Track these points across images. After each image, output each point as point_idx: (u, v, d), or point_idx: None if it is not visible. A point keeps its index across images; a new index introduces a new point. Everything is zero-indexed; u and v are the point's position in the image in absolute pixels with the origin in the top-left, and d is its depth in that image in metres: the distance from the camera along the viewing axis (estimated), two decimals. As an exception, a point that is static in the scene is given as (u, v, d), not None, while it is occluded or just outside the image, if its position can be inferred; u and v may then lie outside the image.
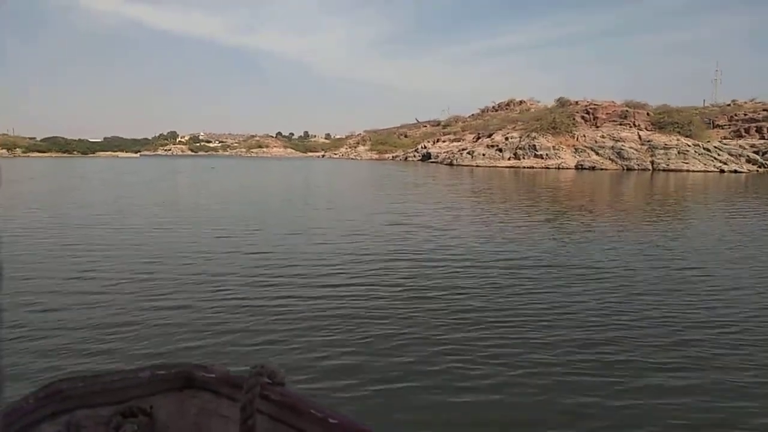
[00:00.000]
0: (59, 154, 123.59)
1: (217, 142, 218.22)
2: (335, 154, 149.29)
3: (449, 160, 75.89)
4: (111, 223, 15.49)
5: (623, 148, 57.64)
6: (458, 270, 9.78)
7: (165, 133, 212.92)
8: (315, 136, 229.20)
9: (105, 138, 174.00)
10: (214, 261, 10.35)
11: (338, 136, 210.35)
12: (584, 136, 61.91)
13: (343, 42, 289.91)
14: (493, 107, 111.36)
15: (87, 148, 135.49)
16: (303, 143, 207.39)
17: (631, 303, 7.77)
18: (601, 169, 56.24)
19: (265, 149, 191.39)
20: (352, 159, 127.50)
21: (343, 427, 1.28)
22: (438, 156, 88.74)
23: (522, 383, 5.03)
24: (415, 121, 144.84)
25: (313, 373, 5.19)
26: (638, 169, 55.69)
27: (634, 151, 57.24)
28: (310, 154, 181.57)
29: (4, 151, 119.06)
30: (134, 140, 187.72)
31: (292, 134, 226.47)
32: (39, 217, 16.94)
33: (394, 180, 41.46)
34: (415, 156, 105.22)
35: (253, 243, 12.50)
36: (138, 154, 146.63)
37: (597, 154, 59.30)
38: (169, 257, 10.70)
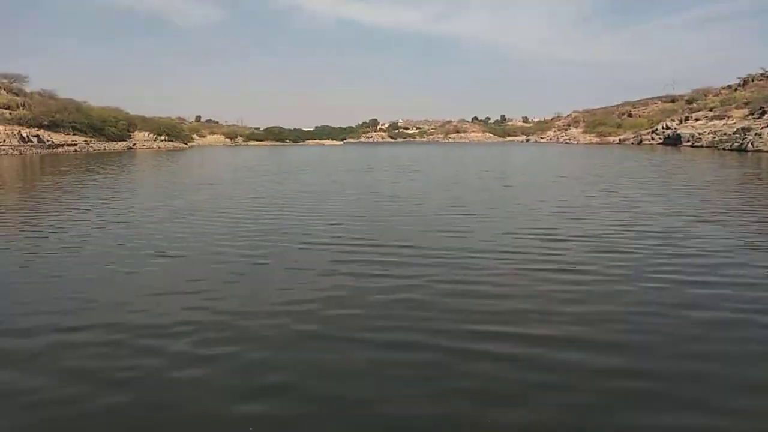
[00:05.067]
0: (273, 143, 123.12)
1: (414, 128, 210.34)
2: (542, 137, 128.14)
3: (734, 144, 51.85)
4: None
5: None
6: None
7: (367, 121, 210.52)
8: (512, 119, 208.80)
9: (316, 127, 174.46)
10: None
11: (536, 119, 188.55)
12: None
13: (542, 20, 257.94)
14: (762, 75, 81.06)
15: (298, 136, 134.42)
16: (501, 127, 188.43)
17: None
18: None
19: (462, 135, 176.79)
20: (565, 143, 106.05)
21: None
22: (699, 138, 64.15)
23: None
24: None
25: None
26: None
27: None
28: (510, 138, 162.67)
29: (228, 140, 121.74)
30: (341, 129, 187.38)
31: (488, 118, 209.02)
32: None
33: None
34: (653, 138, 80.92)
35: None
36: (342, 142, 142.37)
37: None
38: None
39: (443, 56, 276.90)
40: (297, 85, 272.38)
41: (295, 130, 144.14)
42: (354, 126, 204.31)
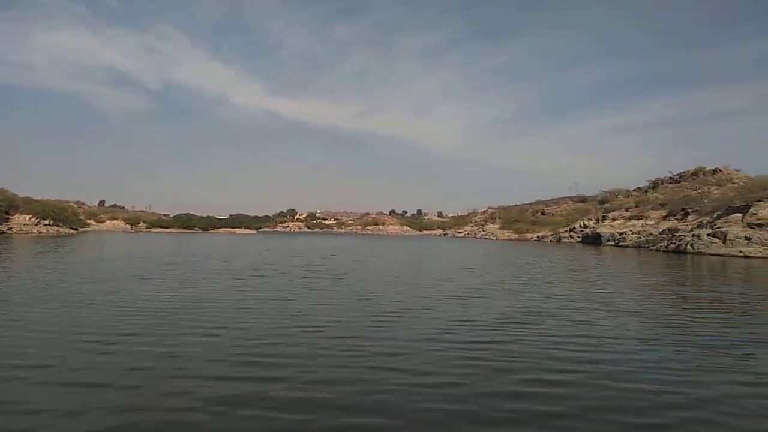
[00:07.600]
0: (181, 230, 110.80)
1: (332, 219, 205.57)
2: (459, 232, 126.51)
3: (672, 245, 49.24)
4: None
5: None
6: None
7: (285, 211, 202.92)
8: (428, 214, 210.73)
9: (231, 215, 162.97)
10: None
11: (451, 214, 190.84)
12: None
13: (459, 125, 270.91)
14: (671, 178, 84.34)
15: (208, 224, 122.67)
16: (418, 221, 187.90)
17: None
18: None
19: (380, 227, 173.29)
20: (483, 238, 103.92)
21: None
22: (625, 238, 62.56)
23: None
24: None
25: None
26: None
27: None
28: (426, 232, 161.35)
29: (128, 226, 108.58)
30: (257, 217, 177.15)
31: (405, 212, 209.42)
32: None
33: None
34: (571, 236, 79.62)
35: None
36: (256, 231, 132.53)
37: None
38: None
39: (363, 152, 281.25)
40: (216, 174, 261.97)
41: (206, 217, 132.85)
42: (271, 215, 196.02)
